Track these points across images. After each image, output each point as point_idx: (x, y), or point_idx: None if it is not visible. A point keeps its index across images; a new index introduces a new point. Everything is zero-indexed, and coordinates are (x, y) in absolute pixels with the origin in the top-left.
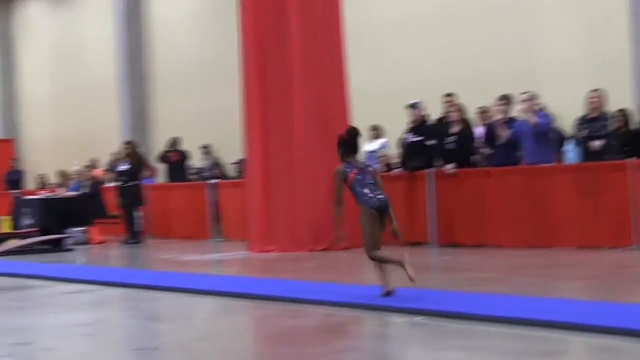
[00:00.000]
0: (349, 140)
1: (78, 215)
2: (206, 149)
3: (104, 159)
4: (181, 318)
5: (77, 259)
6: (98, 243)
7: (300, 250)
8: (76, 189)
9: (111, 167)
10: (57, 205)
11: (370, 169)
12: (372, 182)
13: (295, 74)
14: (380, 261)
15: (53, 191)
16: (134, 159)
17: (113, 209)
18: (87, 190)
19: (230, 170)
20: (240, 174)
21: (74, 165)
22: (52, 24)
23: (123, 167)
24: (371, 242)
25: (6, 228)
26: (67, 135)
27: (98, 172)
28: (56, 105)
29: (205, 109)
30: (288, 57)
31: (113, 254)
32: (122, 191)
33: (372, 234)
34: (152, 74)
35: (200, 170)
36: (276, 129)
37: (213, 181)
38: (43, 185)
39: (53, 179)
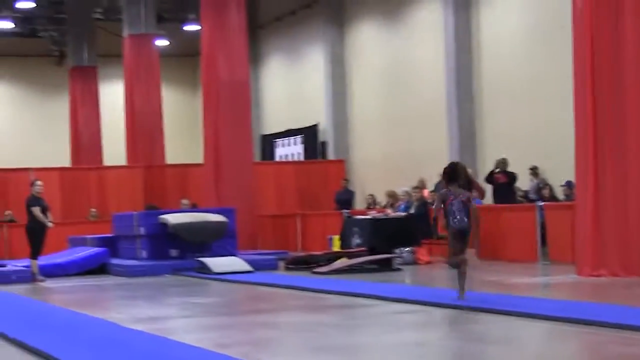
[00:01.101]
0: (450, 173)
1: (406, 236)
2: (534, 170)
3: (431, 180)
4: (509, 342)
5: (405, 279)
6: (425, 263)
7: (632, 275)
8: (405, 210)
9: (438, 188)
10: (386, 225)
11: (463, 198)
12: (460, 209)
13: (629, 86)
14: (455, 266)
15: (382, 211)
16: (463, 181)
17: (441, 230)
18: (415, 210)
19: (558, 192)
20: (568, 196)
21: (403, 186)
22: (382, 47)
23: None
24: (452, 252)
25: (336, 247)
26: (395, 155)
27: (426, 192)
28: (385, 126)
29: (534, 128)
30: (622, 67)
31: (440, 275)
32: None
33: (453, 247)
34: (481, 93)
35: (527, 192)
36: (610, 147)
37: (540, 203)
38: (372, 205)
39: (382, 198)
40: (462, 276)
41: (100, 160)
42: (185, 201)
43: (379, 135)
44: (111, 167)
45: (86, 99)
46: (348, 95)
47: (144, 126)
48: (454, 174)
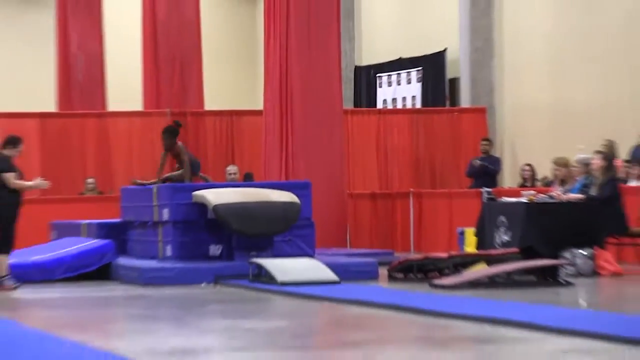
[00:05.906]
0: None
1: (583, 230)
2: None
3: (626, 142)
4: None
5: (579, 299)
6: (611, 274)
7: None
8: (581, 189)
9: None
10: (551, 213)
11: None
12: None
13: None
14: None
15: (545, 191)
16: None
17: (635, 222)
18: (598, 191)
19: None
20: None
21: (580, 151)
22: None
23: None
24: None
25: (470, 246)
26: (569, 103)
27: (619, 163)
28: (556, 56)
29: None
30: None
31: (636, 293)
32: None
33: None
34: None
35: None
36: None
37: None
38: (529, 182)
39: (545, 171)
40: None
41: (103, 103)
42: (233, 169)
43: (545, 70)
44: (119, 114)
45: (81, 9)
46: (496, 4)
47: (171, 51)
48: None
